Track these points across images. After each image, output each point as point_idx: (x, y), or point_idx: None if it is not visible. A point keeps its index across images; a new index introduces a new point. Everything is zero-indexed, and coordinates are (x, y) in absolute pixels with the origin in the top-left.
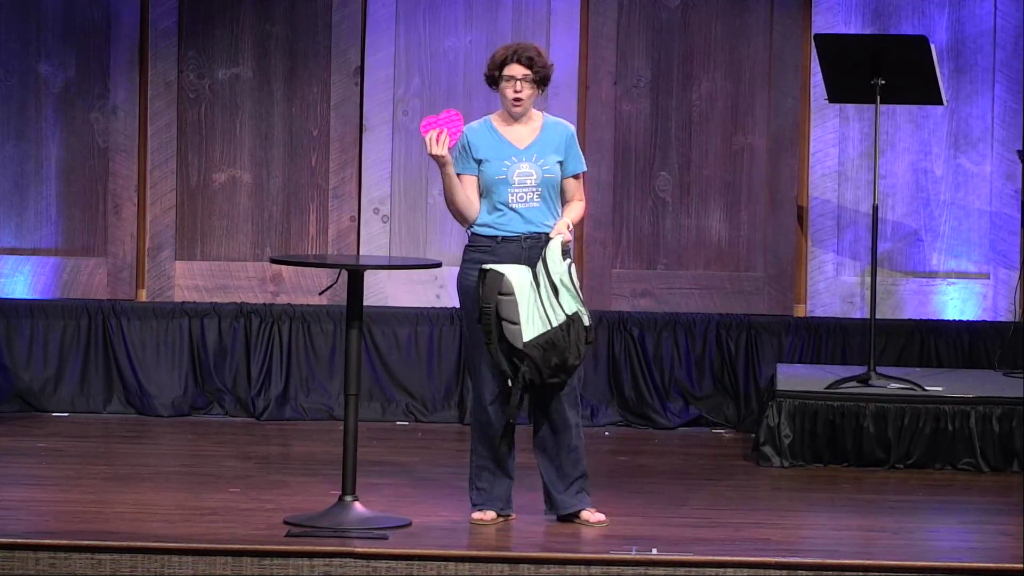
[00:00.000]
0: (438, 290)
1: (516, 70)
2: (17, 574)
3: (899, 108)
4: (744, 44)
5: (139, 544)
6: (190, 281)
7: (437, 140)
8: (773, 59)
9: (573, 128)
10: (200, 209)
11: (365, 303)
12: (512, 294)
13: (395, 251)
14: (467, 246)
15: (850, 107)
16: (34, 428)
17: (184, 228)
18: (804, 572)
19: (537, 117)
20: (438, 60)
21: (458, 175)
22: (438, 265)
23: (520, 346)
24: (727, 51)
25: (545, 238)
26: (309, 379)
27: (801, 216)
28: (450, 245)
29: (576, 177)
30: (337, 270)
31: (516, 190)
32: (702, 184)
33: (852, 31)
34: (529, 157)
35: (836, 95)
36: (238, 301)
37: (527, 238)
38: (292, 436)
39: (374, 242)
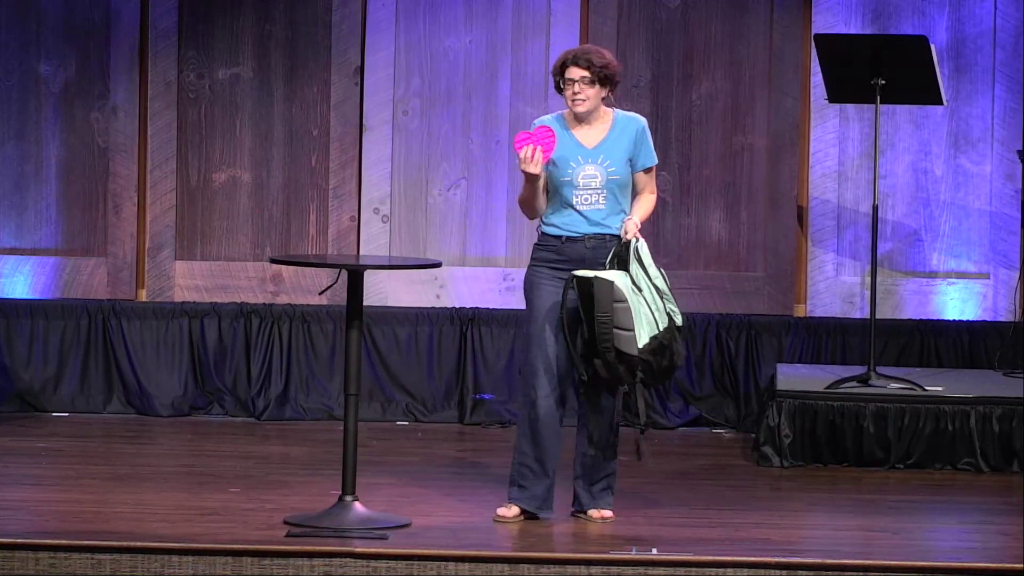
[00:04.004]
0: (438, 290)
1: (574, 72)
2: (17, 574)
3: (899, 108)
4: (744, 44)
5: (139, 544)
6: (190, 281)
7: (531, 157)
8: (773, 59)
9: (644, 121)
10: (200, 209)
11: (365, 303)
12: (625, 301)
13: (395, 251)
14: (536, 244)
15: (850, 107)
16: (34, 428)
17: (184, 228)
18: (804, 572)
19: (607, 114)
20: (438, 60)
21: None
22: (438, 265)
23: (635, 352)
24: (727, 51)
25: (609, 239)
26: (309, 379)
27: (801, 216)
28: (450, 245)
29: (648, 171)
30: (337, 270)
31: (581, 192)
32: (702, 184)
33: (852, 31)
34: (595, 158)
35: (836, 95)
36: (238, 301)
37: (591, 238)
38: (292, 436)
39: (374, 242)
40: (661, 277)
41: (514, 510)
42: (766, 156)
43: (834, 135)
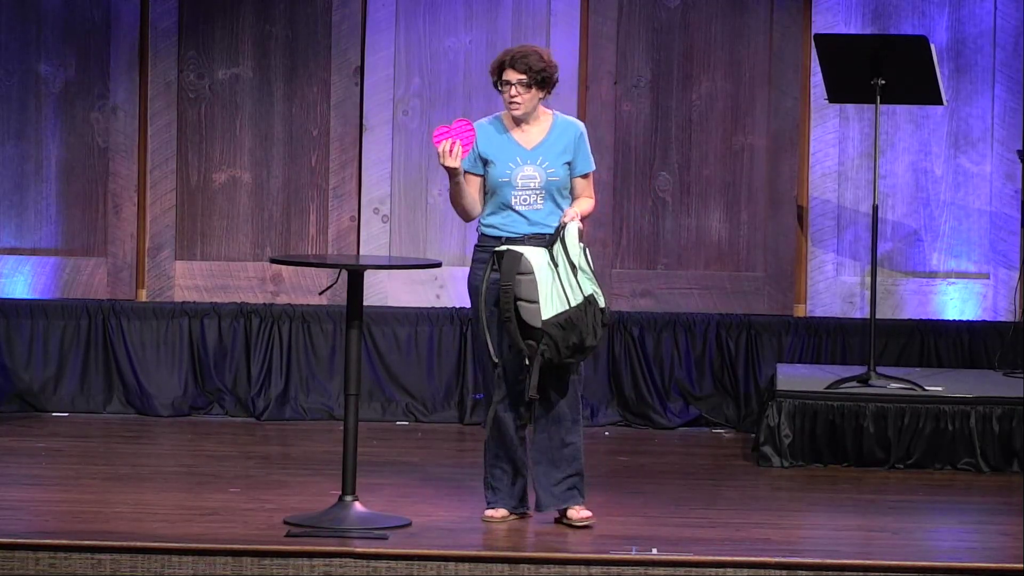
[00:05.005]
0: (438, 290)
1: (511, 75)
2: (17, 574)
3: (899, 108)
4: (744, 44)
5: (139, 544)
6: (190, 281)
7: (450, 152)
8: (773, 59)
9: (583, 127)
10: (200, 209)
11: (365, 303)
12: (531, 273)
13: (395, 251)
14: (476, 245)
15: (850, 107)
16: (34, 428)
17: (184, 228)
18: (804, 572)
19: (547, 117)
20: (438, 60)
21: (465, 172)
22: (438, 265)
23: (539, 325)
24: (727, 51)
25: (548, 238)
26: (309, 379)
27: (801, 216)
28: (450, 245)
29: (585, 176)
30: (337, 270)
31: (519, 193)
32: (702, 184)
33: (852, 31)
34: (535, 159)
35: (836, 95)
36: (238, 301)
37: (530, 238)
38: (292, 436)
39: (374, 242)
40: (583, 256)
41: (501, 511)
42: (766, 156)
43: (834, 135)
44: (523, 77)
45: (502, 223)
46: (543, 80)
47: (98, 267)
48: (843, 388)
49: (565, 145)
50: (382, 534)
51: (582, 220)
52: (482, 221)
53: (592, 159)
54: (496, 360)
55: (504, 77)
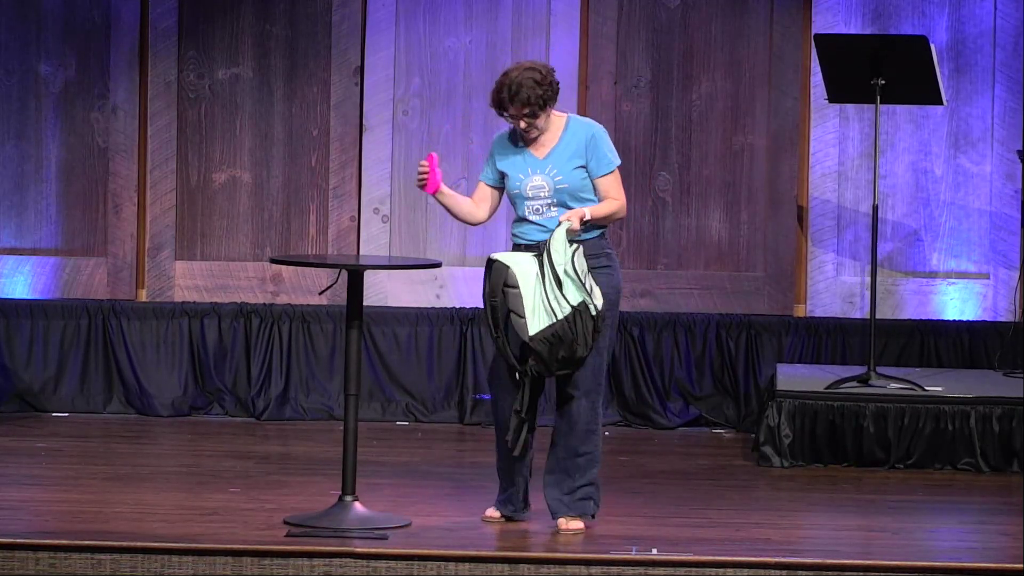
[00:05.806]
0: (438, 290)
1: (513, 111)
2: (17, 574)
3: (899, 108)
4: (744, 44)
5: (139, 544)
6: (190, 281)
7: (423, 180)
8: (773, 59)
9: (596, 128)
10: (200, 209)
11: (365, 303)
12: (517, 287)
13: (395, 251)
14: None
15: (850, 107)
16: (34, 428)
17: (184, 228)
18: (804, 572)
19: (560, 122)
20: (438, 60)
21: (480, 183)
22: (438, 265)
23: (527, 339)
24: (727, 51)
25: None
26: (309, 379)
27: (801, 216)
28: (450, 245)
29: (605, 177)
30: (337, 270)
31: (531, 203)
32: (702, 184)
33: (852, 31)
34: (544, 168)
35: (836, 95)
36: (238, 301)
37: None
38: (292, 436)
39: (374, 242)
40: (571, 263)
41: (499, 513)
42: (766, 156)
43: (834, 135)
44: (525, 110)
45: (521, 232)
46: (545, 103)
47: (98, 267)
48: (843, 388)
49: (575, 149)
50: (382, 534)
51: (608, 223)
52: (511, 229)
53: (610, 159)
54: (519, 368)
55: (507, 113)
